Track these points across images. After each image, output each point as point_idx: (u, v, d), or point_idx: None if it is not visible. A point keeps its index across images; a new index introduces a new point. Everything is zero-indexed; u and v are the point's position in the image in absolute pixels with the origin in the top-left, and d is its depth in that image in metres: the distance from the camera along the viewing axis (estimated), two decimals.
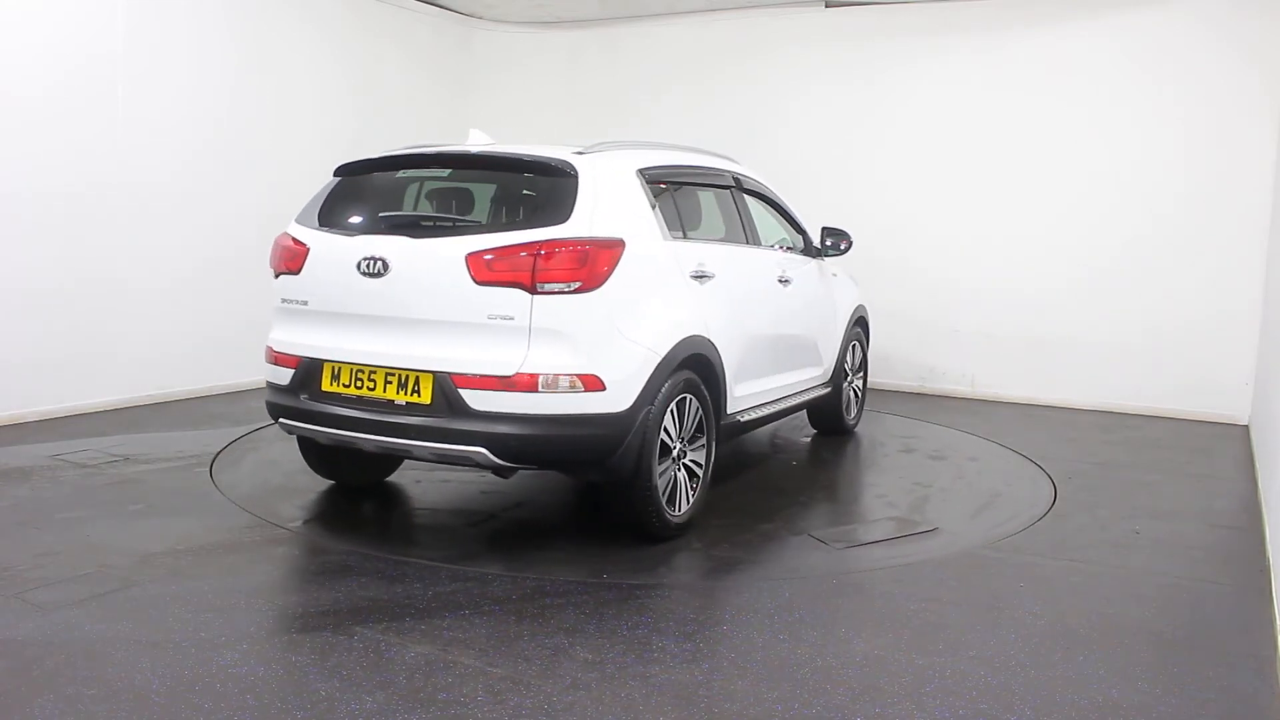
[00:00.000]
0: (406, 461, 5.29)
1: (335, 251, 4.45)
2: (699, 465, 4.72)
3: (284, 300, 4.63)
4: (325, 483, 5.42)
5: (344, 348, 4.39)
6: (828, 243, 6.32)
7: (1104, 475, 6.11)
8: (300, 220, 4.74)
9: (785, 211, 6.17)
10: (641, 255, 4.39)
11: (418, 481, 5.53)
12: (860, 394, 7.14)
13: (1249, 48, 7.57)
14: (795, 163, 8.85)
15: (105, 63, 6.76)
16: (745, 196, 5.71)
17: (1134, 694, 3.18)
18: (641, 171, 4.67)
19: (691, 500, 4.65)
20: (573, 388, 4.08)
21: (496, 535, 4.76)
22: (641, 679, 3.19)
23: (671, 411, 4.44)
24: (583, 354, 4.11)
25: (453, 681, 3.12)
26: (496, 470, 4.36)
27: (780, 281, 5.68)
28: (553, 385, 4.07)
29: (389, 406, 4.25)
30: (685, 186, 5.23)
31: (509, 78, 10.08)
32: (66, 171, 6.60)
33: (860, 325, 6.99)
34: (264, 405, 4.81)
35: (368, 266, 4.30)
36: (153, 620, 3.52)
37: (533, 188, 4.54)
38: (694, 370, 4.59)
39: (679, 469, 4.58)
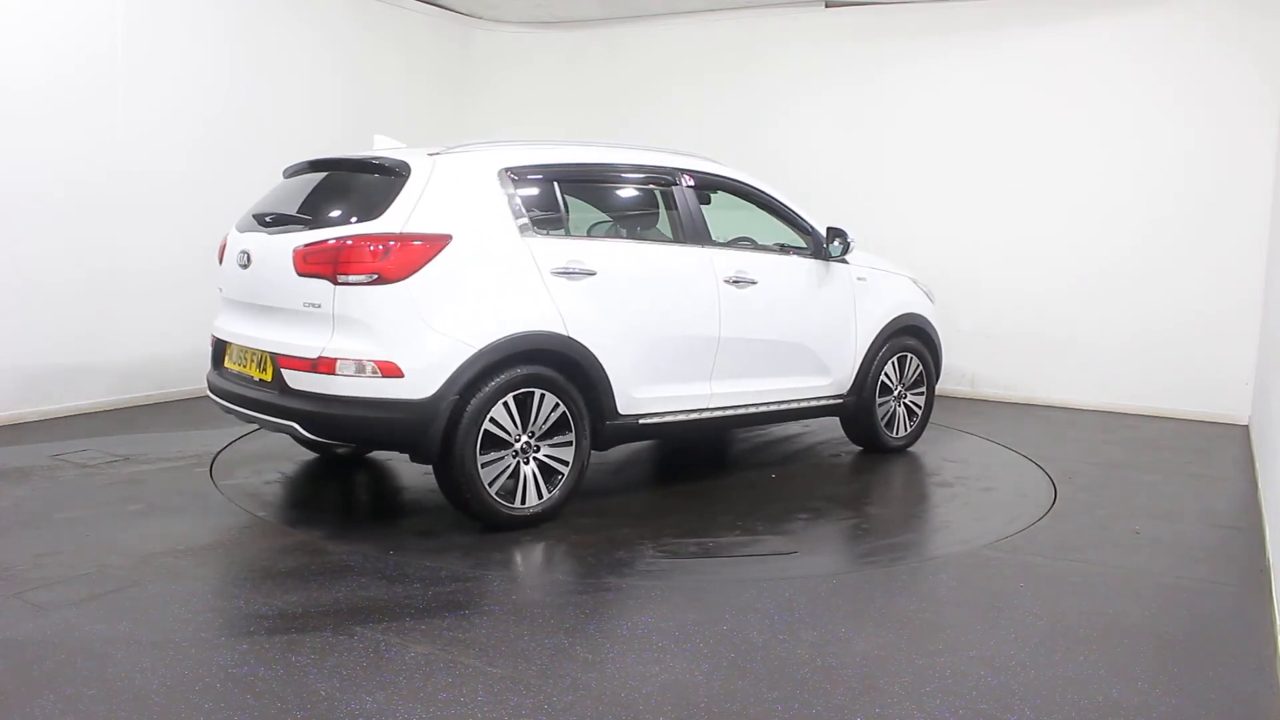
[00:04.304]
0: None
1: (232, 246, 5.03)
2: (560, 462, 4.74)
3: (218, 288, 5.22)
4: (325, 482, 5.45)
5: (232, 330, 4.95)
6: (834, 243, 5.91)
7: (1104, 475, 6.10)
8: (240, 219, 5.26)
9: (780, 211, 5.87)
10: (474, 250, 4.54)
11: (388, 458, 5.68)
12: (919, 411, 6.55)
13: (1250, 48, 7.56)
14: (795, 162, 8.85)
15: (105, 62, 6.77)
16: (694, 194, 5.44)
17: (1134, 694, 3.18)
18: (508, 170, 4.77)
19: (545, 496, 4.69)
20: (372, 373, 4.34)
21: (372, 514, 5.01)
22: (641, 679, 3.19)
23: (508, 404, 4.52)
24: (381, 342, 4.35)
25: (453, 681, 3.12)
26: (316, 446, 4.79)
27: (731, 283, 5.38)
28: (352, 370, 4.36)
29: (250, 382, 4.75)
30: (581, 184, 5.23)
31: (509, 78, 10.08)
32: (65, 171, 6.60)
33: (911, 334, 6.41)
34: None
35: (239, 259, 4.88)
36: (153, 620, 3.52)
37: (368, 187, 4.75)
38: (549, 366, 4.65)
39: (526, 462, 4.63)
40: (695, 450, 6.54)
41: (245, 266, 4.83)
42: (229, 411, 4.91)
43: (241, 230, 5.04)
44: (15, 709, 2.87)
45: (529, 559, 4.41)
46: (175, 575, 3.98)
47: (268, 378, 4.61)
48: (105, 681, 3.05)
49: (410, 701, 2.98)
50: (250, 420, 4.78)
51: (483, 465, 4.48)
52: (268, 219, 4.91)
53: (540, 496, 4.69)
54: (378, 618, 3.59)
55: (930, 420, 6.74)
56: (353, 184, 4.87)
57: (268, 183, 5.47)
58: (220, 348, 5.05)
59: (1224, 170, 7.69)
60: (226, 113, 7.58)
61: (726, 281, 5.39)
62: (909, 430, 6.55)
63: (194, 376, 7.38)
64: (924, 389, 6.60)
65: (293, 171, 5.25)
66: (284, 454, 5.89)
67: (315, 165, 5.12)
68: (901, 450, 6.51)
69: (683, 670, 3.26)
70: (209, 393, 5.09)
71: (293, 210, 4.86)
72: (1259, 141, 7.55)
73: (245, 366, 4.81)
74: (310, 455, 5.89)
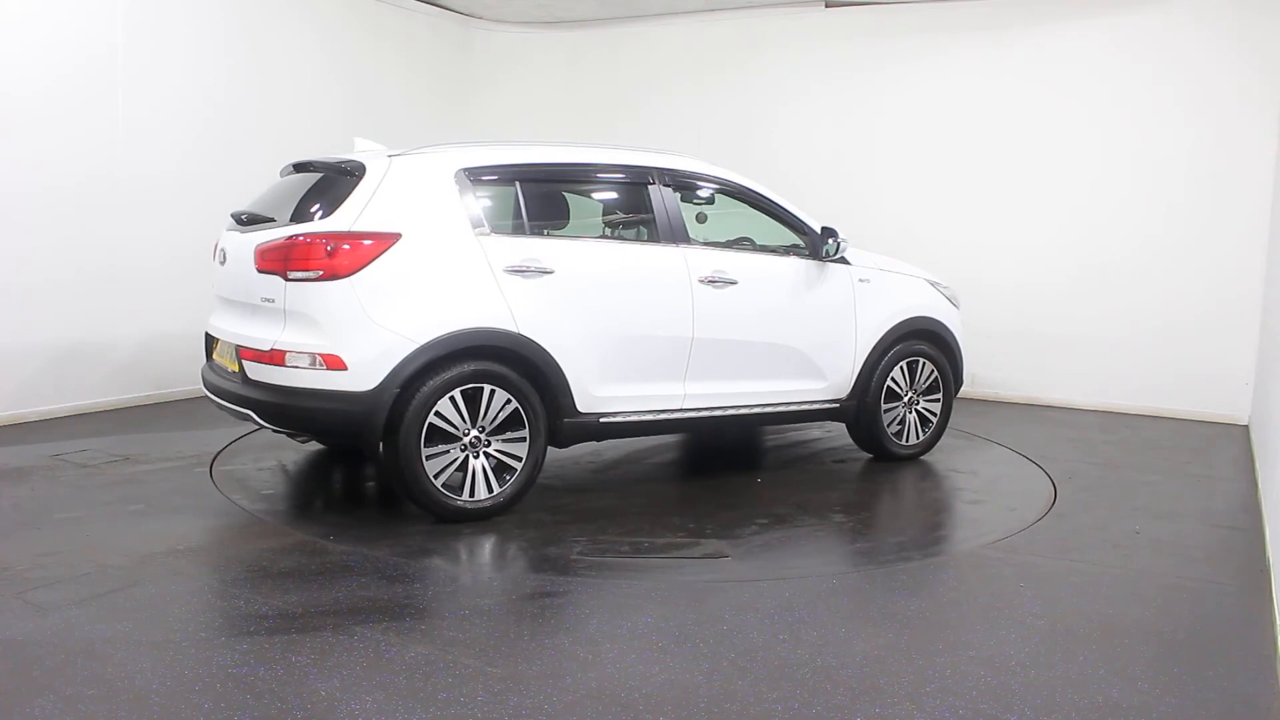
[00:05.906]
0: None
1: (218, 244, 5.25)
2: (514, 458, 4.78)
3: (211, 285, 5.38)
4: (324, 482, 5.45)
5: (215, 324, 5.17)
6: (827, 243, 5.70)
7: (1104, 475, 6.10)
8: None
9: (771, 210, 5.73)
10: (424, 248, 4.65)
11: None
12: (933, 419, 6.26)
13: (1250, 47, 7.57)
14: (794, 162, 8.85)
15: (105, 62, 6.77)
16: (671, 194, 5.36)
17: (1134, 694, 3.18)
18: (467, 170, 4.86)
19: (497, 490, 4.75)
20: (319, 365, 4.51)
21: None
22: (642, 679, 3.19)
23: (455, 399, 4.61)
24: (327, 335, 4.51)
25: (453, 681, 3.12)
26: (284, 434, 5.07)
27: (708, 283, 5.29)
28: (300, 362, 4.53)
29: (226, 373, 4.96)
30: (546, 184, 5.22)
31: (509, 78, 10.08)
32: (65, 171, 6.60)
33: (924, 339, 6.15)
34: None
35: (220, 256, 5.14)
36: (153, 620, 3.52)
37: (331, 187, 4.86)
38: (500, 363, 4.71)
39: (476, 456, 4.69)
40: (694, 450, 6.54)
41: (223, 264, 5.07)
42: (211, 401, 5.06)
43: (227, 229, 5.22)
44: (15, 709, 2.87)
45: (472, 553, 4.44)
46: (175, 575, 3.98)
47: (235, 369, 4.79)
48: (105, 681, 3.05)
49: (410, 701, 2.98)
50: (224, 410, 4.94)
51: (428, 458, 4.57)
52: (243, 218, 5.07)
53: (491, 491, 4.74)
54: (378, 618, 3.59)
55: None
56: (320, 185, 4.96)
57: (266, 182, 5.50)
58: (209, 342, 5.23)
59: (1224, 170, 7.69)
60: (226, 112, 7.58)
61: (702, 281, 5.30)
62: (920, 438, 6.24)
63: (193, 376, 7.36)
64: (939, 397, 6.29)
65: (284, 172, 5.40)
66: (283, 454, 5.89)
67: (297, 167, 5.29)
68: (913, 459, 6.23)
69: (683, 670, 3.26)
70: (203, 387, 5.23)
71: (274, 210, 4.98)
72: (1259, 141, 7.55)
73: (224, 359, 4.99)
74: (308, 452, 5.90)
